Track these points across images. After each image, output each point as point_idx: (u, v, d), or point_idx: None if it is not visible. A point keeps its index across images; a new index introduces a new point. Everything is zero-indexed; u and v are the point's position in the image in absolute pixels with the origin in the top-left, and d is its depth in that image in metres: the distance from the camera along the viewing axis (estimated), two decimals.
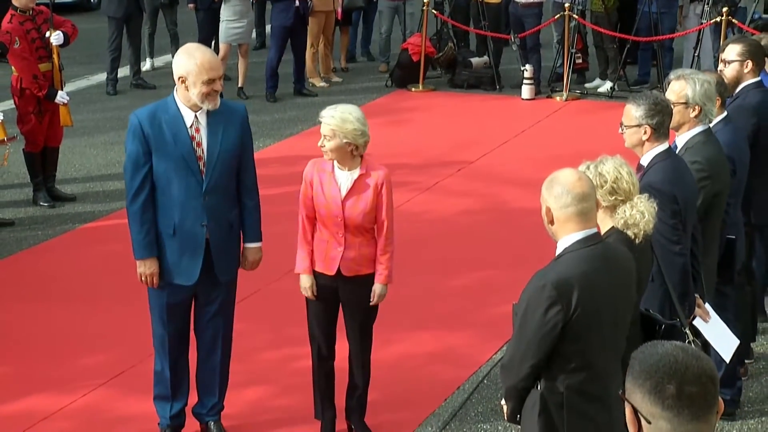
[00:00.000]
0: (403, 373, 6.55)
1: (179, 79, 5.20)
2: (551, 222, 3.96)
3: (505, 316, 6.97)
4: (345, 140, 5.11)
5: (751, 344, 6.53)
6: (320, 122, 5.20)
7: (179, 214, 5.34)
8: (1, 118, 8.55)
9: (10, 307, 7.52)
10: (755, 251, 6.47)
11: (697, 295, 5.09)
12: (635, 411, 2.54)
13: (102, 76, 13.58)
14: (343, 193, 5.24)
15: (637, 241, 4.26)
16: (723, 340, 5.16)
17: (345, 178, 5.25)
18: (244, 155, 5.49)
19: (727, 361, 5.16)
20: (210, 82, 5.12)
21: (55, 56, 9.36)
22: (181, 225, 5.35)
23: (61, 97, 9.31)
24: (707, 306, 5.15)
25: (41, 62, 9.25)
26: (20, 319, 7.33)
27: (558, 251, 3.99)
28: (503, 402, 4.24)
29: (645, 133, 4.92)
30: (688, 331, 4.58)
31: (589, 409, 4.04)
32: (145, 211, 5.32)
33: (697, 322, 4.96)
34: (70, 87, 9.85)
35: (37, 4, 9.39)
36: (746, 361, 6.39)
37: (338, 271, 5.36)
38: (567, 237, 3.95)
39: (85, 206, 9.14)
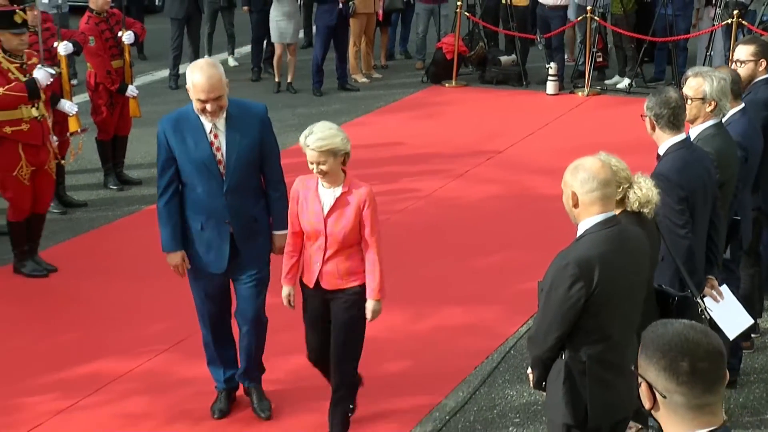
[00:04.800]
0: (436, 344, 6.55)
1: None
2: (575, 205, 3.93)
3: (529, 292, 6.94)
4: (339, 154, 4.81)
5: (758, 320, 6.47)
6: (308, 146, 4.79)
7: (205, 212, 5.30)
8: (77, 110, 8.59)
9: (83, 279, 7.59)
10: (762, 236, 6.40)
11: (711, 276, 5.03)
12: (650, 386, 2.53)
13: (165, 72, 13.67)
14: (326, 210, 4.92)
15: (650, 216, 4.25)
16: (733, 318, 5.09)
17: (328, 195, 4.93)
18: (265, 152, 5.31)
19: (731, 339, 5.09)
20: (200, 102, 4.98)
21: (126, 54, 9.42)
22: (208, 222, 5.31)
23: (131, 90, 9.39)
24: (723, 288, 5.09)
25: (114, 59, 9.32)
26: (92, 290, 7.39)
27: (579, 233, 3.96)
28: (529, 371, 4.22)
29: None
30: (700, 301, 4.54)
31: (609, 376, 4.02)
32: (169, 210, 5.29)
33: (707, 301, 4.91)
34: (137, 82, 9.88)
35: (111, 7, 9.46)
36: (752, 335, 6.36)
37: (318, 283, 5.06)
38: (588, 219, 3.91)
39: (150, 189, 9.15)
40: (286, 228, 5.27)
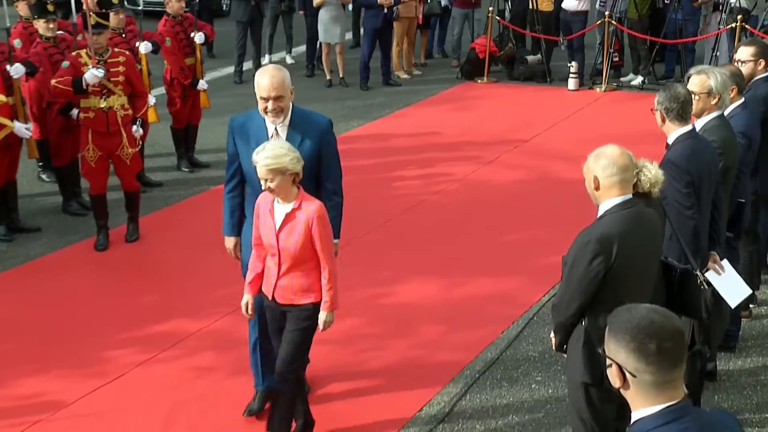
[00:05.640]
0: (467, 311, 6.52)
1: None
2: (597, 188, 3.87)
3: (551, 266, 6.93)
4: (287, 173, 4.38)
5: (756, 292, 6.40)
6: (258, 163, 4.38)
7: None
8: (154, 101, 8.64)
9: (159, 249, 7.66)
10: (760, 217, 6.30)
11: (714, 252, 4.96)
12: (620, 368, 2.47)
13: (231, 69, 13.68)
14: (278, 225, 4.49)
15: (655, 196, 4.19)
16: (734, 289, 5.02)
17: (280, 211, 4.50)
18: (324, 164, 4.89)
19: (733, 307, 5.05)
20: (263, 100, 4.72)
21: (197, 52, 9.45)
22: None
23: (202, 84, 9.43)
24: (724, 262, 5.02)
25: (187, 57, 9.36)
26: (167, 258, 7.46)
27: (600, 213, 3.90)
28: (552, 335, 4.17)
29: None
30: (699, 273, 4.48)
31: None
32: (231, 197, 5.06)
33: (710, 275, 4.84)
34: (207, 77, 9.91)
35: (185, 12, 9.49)
36: (750, 305, 6.31)
37: (274, 297, 4.63)
38: (608, 201, 3.86)
39: (217, 172, 9.18)
40: (338, 237, 4.92)
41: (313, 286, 4.58)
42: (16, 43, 8.40)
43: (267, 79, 4.68)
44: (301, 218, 4.46)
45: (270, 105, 4.71)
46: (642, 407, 2.50)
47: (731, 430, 2.58)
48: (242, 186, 5.07)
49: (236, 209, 5.08)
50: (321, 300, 4.59)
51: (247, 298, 4.75)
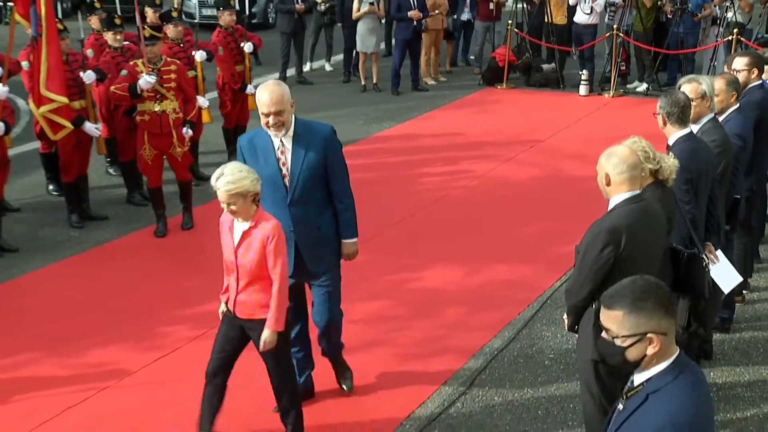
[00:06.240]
0: (487, 294, 6.49)
1: None
2: (608, 184, 3.84)
3: (563, 254, 6.88)
4: (248, 194, 4.09)
5: (749, 279, 6.35)
6: (219, 189, 4.06)
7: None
8: (207, 104, 8.68)
9: (210, 236, 7.64)
10: (754, 212, 6.25)
11: (709, 243, 4.90)
12: (648, 337, 2.46)
13: (276, 75, 13.66)
14: (236, 242, 4.22)
15: (669, 185, 4.15)
16: (727, 277, 4.98)
17: (239, 229, 4.22)
18: (330, 168, 4.60)
19: (726, 293, 5.01)
20: (264, 115, 4.44)
21: (246, 60, 9.47)
22: None
23: (250, 89, 9.43)
24: (718, 252, 4.97)
25: (237, 64, 9.39)
26: (218, 245, 7.45)
27: (610, 207, 3.87)
28: (565, 316, 4.14)
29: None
30: (704, 256, 4.44)
31: None
32: None
33: None
34: (254, 82, 9.93)
35: (235, 24, 9.50)
36: (744, 291, 6.26)
37: (235, 311, 4.35)
38: (618, 196, 3.83)
39: None
40: (354, 236, 4.74)
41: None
42: (89, 52, 8.57)
43: (267, 94, 4.40)
44: (257, 236, 4.17)
45: (271, 120, 4.43)
46: (658, 364, 2.49)
47: (703, 375, 2.60)
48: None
49: None
50: None
51: (222, 307, 4.49)
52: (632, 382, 2.58)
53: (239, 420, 4.87)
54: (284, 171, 4.55)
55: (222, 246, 4.31)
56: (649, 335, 2.45)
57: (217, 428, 4.54)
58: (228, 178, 4.04)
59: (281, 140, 4.53)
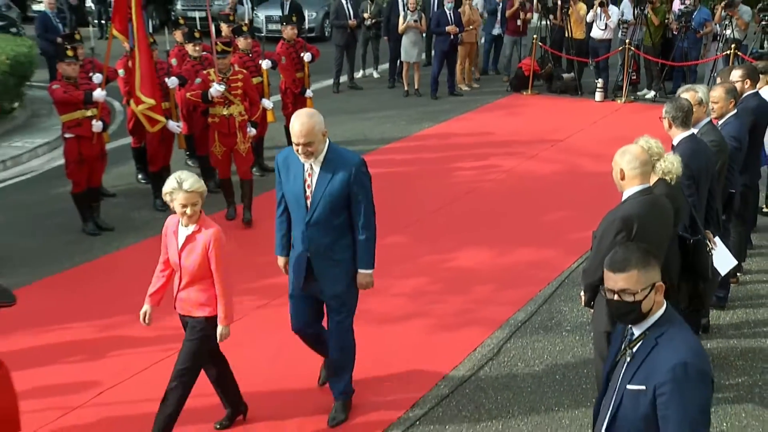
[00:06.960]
0: (512, 273, 6.51)
1: None
2: (622, 178, 3.86)
3: (580, 239, 6.87)
4: (204, 194, 4.03)
5: (743, 263, 6.31)
6: (185, 189, 3.93)
7: (295, 234, 4.39)
8: (271, 106, 8.79)
9: (271, 221, 7.74)
10: (748, 205, 6.22)
11: (708, 231, 4.88)
12: (656, 287, 2.63)
13: (330, 81, 13.76)
14: (180, 245, 4.06)
15: (672, 182, 4.15)
16: (724, 260, 4.96)
17: (183, 232, 4.07)
18: (354, 200, 4.19)
19: (722, 275, 5.00)
20: (294, 144, 4.12)
21: (305, 68, 9.55)
22: (295, 244, 4.40)
23: (308, 93, 9.53)
24: (716, 239, 4.95)
25: (297, 72, 9.47)
26: (254, 239, 7.52)
27: (623, 198, 3.89)
28: (582, 294, 4.17)
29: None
30: (708, 242, 4.44)
31: None
32: (281, 221, 4.46)
33: None
34: (312, 87, 10.02)
35: (297, 37, 9.59)
36: (738, 273, 6.22)
37: (176, 307, 4.21)
38: (630, 188, 3.85)
39: None
40: (370, 268, 4.31)
41: (209, 301, 4.12)
42: (173, 61, 8.79)
43: (298, 126, 4.06)
44: (200, 240, 4.02)
45: (300, 149, 4.11)
46: (656, 312, 2.64)
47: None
48: (289, 214, 4.44)
49: (286, 232, 4.47)
50: (215, 314, 4.12)
51: (145, 308, 4.26)
52: (632, 335, 2.66)
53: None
54: (308, 193, 4.22)
55: (167, 247, 4.17)
56: (657, 284, 2.62)
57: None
58: (191, 180, 3.97)
59: (311, 163, 4.19)
